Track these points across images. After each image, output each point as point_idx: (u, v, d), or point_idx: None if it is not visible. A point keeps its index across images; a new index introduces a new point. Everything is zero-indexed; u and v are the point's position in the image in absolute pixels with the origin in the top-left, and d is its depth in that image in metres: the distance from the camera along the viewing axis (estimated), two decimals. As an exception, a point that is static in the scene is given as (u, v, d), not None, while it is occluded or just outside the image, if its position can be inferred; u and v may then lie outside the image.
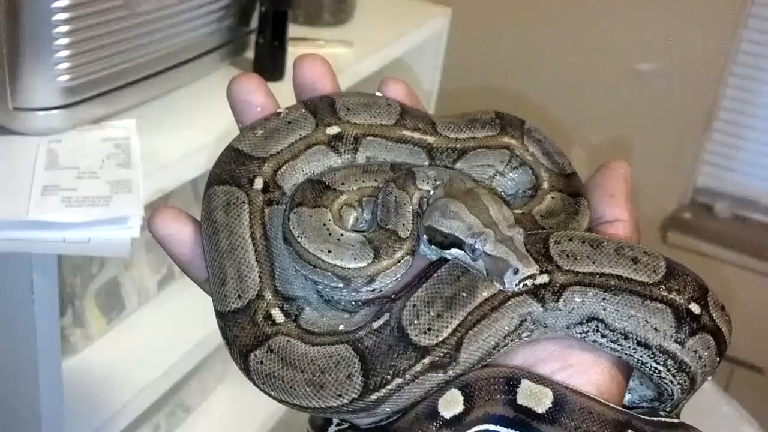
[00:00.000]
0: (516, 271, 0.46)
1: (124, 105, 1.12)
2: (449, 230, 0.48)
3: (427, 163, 0.56)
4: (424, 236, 0.50)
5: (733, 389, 1.98)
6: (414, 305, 0.49)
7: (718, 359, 0.53)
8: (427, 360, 0.47)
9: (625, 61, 2.22)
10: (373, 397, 0.47)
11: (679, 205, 2.29)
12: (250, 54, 1.34)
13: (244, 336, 0.49)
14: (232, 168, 0.52)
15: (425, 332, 0.48)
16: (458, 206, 0.49)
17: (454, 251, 0.49)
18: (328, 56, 1.58)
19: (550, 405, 0.48)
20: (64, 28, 0.97)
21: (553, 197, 0.56)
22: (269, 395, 0.49)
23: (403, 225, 0.50)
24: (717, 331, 0.51)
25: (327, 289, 0.50)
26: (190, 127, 1.16)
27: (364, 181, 0.53)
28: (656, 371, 0.52)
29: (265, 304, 0.49)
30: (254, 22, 1.31)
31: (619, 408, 0.51)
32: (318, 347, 0.48)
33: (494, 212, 0.49)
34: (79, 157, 1.00)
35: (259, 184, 0.52)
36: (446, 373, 0.48)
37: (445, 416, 0.48)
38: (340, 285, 0.49)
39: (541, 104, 2.30)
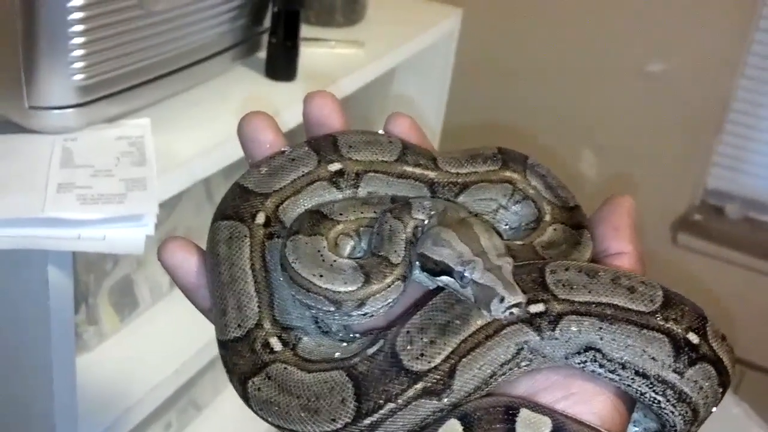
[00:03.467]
0: (502, 299, 0.46)
1: (138, 104, 1.12)
2: (440, 258, 0.50)
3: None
4: (417, 263, 0.51)
5: (743, 391, 1.98)
6: (408, 331, 0.49)
7: (721, 390, 0.52)
8: (419, 385, 0.48)
9: (636, 63, 2.22)
10: (366, 422, 0.48)
11: (689, 206, 2.29)
12: (262, 54, 1.34)
13: (243, 364, 0.51)
14: (236, 204, 0.54)
15: (418, 358, 0.48)
16: (450, 235, 0.50)
17: (445, 278, 0.50)
18: (340, 56, 1.59)
19: None
20: (79, 28, 0.98)
21: (555, 229, 0.57)
22: (266, 421, 0.50)
23: (395, 252, 0.51)
24: (717, 361, 0.51)
25: (320, 314, 0.51)
26: (204, 126, 1.17)
27: (362, 212, 0.54)
28: (656, 401, 0.51)
29: (264, 333, 0.51)
30: (267, 22, 1.32)
31: None
32: (313, 374, 0.49)
33: (484, 241, 0.50)
34: (94, 156, 1.01)
35: (260, 218, 0.54)
36: (440, 401, 0.48)
37: None
38: (332, 309, 0.50)
39: (551, 105, 2.30)
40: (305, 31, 1.39)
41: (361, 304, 0.50)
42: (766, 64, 2.17)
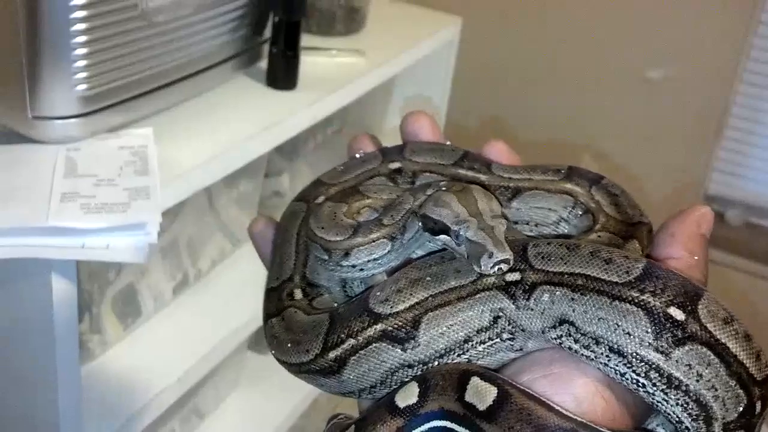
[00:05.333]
0: (491, 255, 0.48)
1: (140, 114, 1.13)
2: (439, 217, 0.53)
3: None
4: (419, 224, 0.55)
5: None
6: (384, 281, 0.54)
7: (735, 382, 0.46)
8: (379, 326, 0.51)
9: (636, 69, 2.23)
10: (331, 355, 0.52)
11: (690, 212, 2.29)
12: (263, 63, 1.35)
13: (270, 306, 0.58)
14: (308, 190, 0.63)
15: (383, 302, 0.52)
16: (450, 197, 0.53)
17: (443, 237, 0.52)
18: (341, 65, 1.60)
19: (491, 402, 0.48)
20: (82, 39, 0.99)
21: (599, 236, 0.56)
22: (272, 354, 0.57)
23: (392, 216, 0.56)
24: (716, 345, 0.46)
25: (319, 263, 0.57)
26: (206, 136, 1.18)
27: (396, 195, 0.59)
28: (641, 385, 0.48)
29: (292, 285, 0.58)
30: (268, 32, 1.33)
31: (575, 417, 0.47)
32: (311, 316, 0.55)
33: (481, 204, 0.53)
34: (98, 165, 1.02)
35: (320, 200, 0.60)
36: (404, 351, 0.51)
37: (399, 406, 0.50)
38: (325, 257, 0.56)
39: (551, 112, 2.31)
40: (306, 40, 1.40)
41: (346, 254, 0.55)
42: (766, 69, 2.18)
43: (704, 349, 0.46)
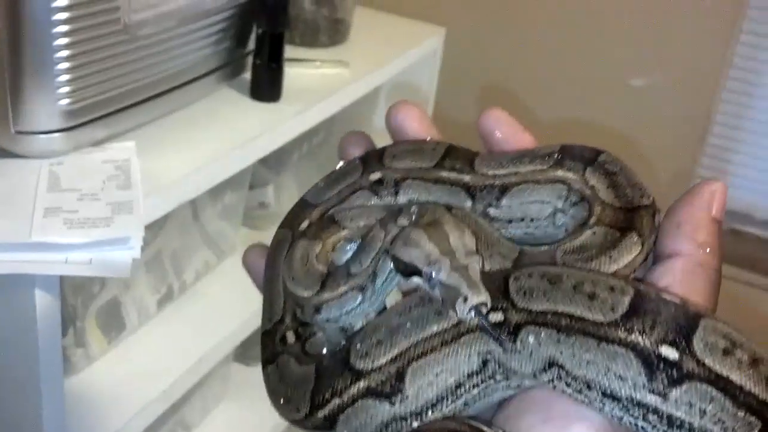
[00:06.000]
0: (465, 299, 0.45)
1: (124, 127, 1.13)
2: (409, 259, 0.49)
3: (469, 203, 0.56)
4: (391, 265, 0.52)
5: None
6: (365, 330, 0.51)
7: (744, 411, 0.42)
8: (362, 383, 0.48)
9: (619, 77, 2.24)
10: (320, 415, 0.50)
11: (674, 219, 2.30)
12: (247, 75, 1.35)
13: (266, 352, 0.55)
14: (292, 214, 0.59)
15: (363, 357, 0.49)
16: (419, 235, 0.49)
17: (416, 279, 0.49)
18: (325, 76, 1.60)
19: None
20: (65, 53, 0.99)
21: (594, 232, 0.51)
22: (272, 405, 0.54)
23: (359, 263, 0.52)
24: (717, 380, 0.42)
25: (299, 313, 0.55)
26: (189, 148, 1.18)
27: (375, 219, 0.55)
28: (640, 428, 0.44)
29: (284, 327, 0.55)
30: (251, 44, 1.33)
31: None
32: (302, 366, 0.52)
33: (454, 240, 0.49)
34: (81, 179, 1.02)
35: (304, 225, 0.57)
36: (393, 404, 0.48)
37: None
38: (298, 310, 0.54)
39: (535, 121, 2.32)
40: (290, 51, 1.40)
41: (317, 309, 0.53)
42: (748, 77, 2.20)
43: (705, 386, 0.43)
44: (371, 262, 0.52)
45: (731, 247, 2.27)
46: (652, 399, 0.43)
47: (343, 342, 0.53)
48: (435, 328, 0.48)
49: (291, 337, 0.54)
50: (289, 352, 0.53)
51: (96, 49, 1.03)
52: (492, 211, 0.55)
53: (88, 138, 1.08)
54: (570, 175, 0.55)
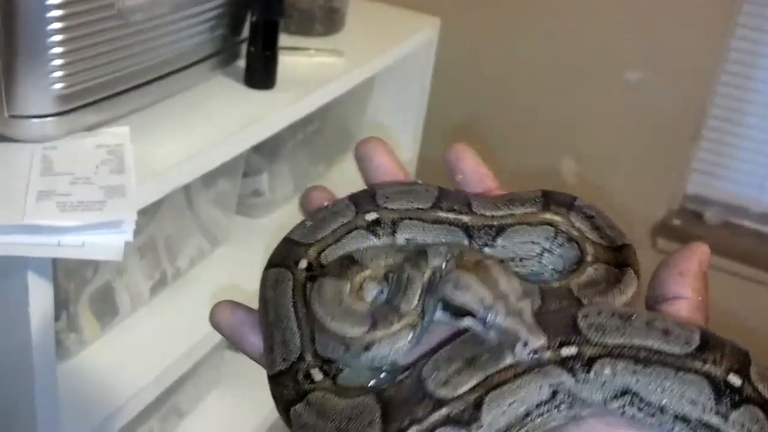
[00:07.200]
0: (526, 343, 0.48)
1: (117, 113, 1.13)
2: (462, 302, 0.51)
3: (466, 242, 0.59)
4: (439, 306, 0.53)
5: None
6: (436, 360, 0.51)
7: None
8: (443, 411, 0.49)
9: (614, 70, 2.24)
10: None
11: (668, 212, 2.31)
12: (241, 63, 1.36)
13: (287, 393, 0.53)
14: (283, 253, 0.58)
15: (443, 385, 0.49)
16: (470, 279, 0.51)
17: (468, 321, 0.51)
18: (319, 65, 1.61)
19: None
20: (58, 38, 0.99)
21: (595, 269, 0.56)
22: None
23: (408, 300, 0.53)
24: (764, 403, 0.49)
25: (335, 352, 0.54)
26: (183, 135, 1.18)
27: (393, 259, 0.56)
28: None
29: (306, 365, 0.53)
30: (245, 32, 1.34)
31: None
32: (348, 399, 0.51)
33: (504, 285, 0.51)
34: (74, 164, 1.02)
35: (303, 264, 0.57)
36: None
37: None
38: (341, 350, 0.53)
39: (530, 112, 2.32)
40: (284, 40, 1.40)
41: (367, 348, 0.52)
42: (743, 71, 2.20)
43: (755, 409, 0.49)
44: (418, 300, 0.53)
45: (727, 241, 2.28)
46: (716, 420, 0.49)
47: (382, 376, 0.53)
48: (509, 361, 0.50)
49: (318, 374, 0.53)
50: (322, 388, 0.52)
51: (90, 34, 1.03)
52: (487, 250, 0.59)
53: (81, 123, 1.08)
54: (557, 218, 0.59)
